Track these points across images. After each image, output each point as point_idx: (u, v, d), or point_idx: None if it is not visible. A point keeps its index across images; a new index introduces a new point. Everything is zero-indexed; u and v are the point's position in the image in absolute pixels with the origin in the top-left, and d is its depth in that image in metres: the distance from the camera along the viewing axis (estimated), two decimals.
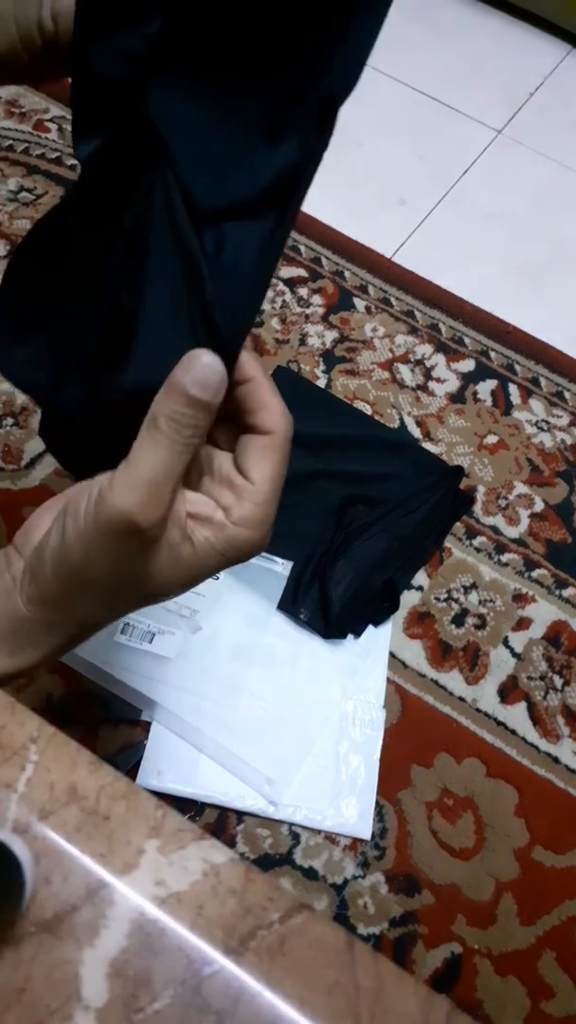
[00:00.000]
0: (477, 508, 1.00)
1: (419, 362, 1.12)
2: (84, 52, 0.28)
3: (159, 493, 0.28)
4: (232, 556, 0.31)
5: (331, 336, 1.12)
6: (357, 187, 1.29)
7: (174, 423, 0.28)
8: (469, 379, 1.11)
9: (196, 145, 0.28)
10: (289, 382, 1.06)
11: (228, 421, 0.32)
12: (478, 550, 0.97)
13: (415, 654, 0.89)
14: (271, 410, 0.30)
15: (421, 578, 0.94)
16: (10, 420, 0.98)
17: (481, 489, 1.02)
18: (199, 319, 0.29)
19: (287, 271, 1.17)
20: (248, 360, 0.30)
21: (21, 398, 0.99)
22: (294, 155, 0.28)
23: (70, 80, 0.30)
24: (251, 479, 0.31)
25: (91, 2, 0.28)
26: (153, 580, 0.31)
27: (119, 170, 0.29)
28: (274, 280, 1.16)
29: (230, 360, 0.30)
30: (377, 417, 1.06)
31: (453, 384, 1.10)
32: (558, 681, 0.90)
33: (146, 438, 0.28)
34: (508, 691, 0.88)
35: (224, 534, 0.30)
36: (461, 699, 0.87)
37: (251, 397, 0.30)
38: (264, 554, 0.90)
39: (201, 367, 0.28)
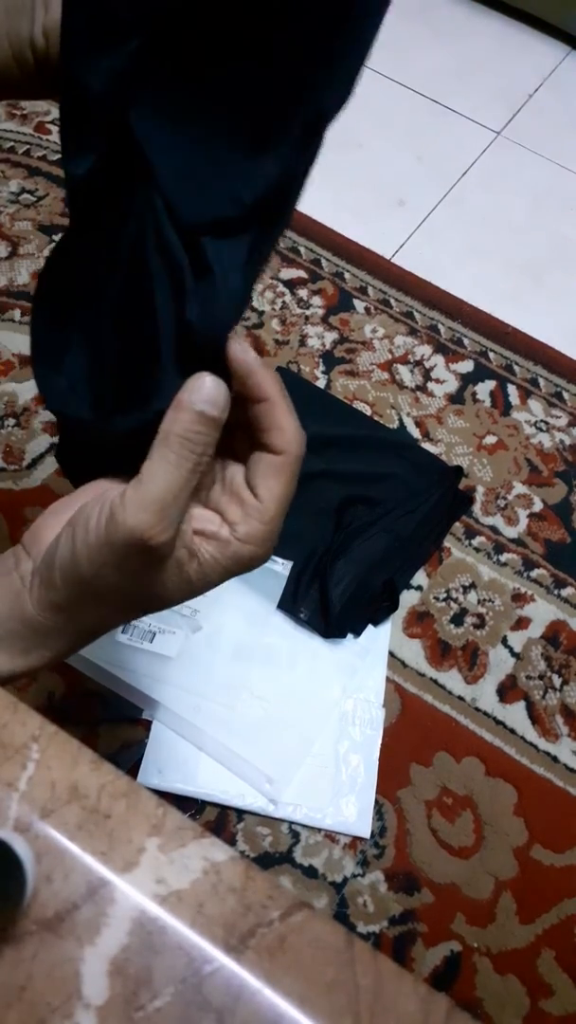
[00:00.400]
0: (476, 508, 1.00)
1: (418, 363, 1.12)
2: (70, 70, 0.28)
3: (169, 514, 0.29)
4: (235, 570, 0.32)
5: (331, 337, 1.12)
6: (356, 188, 1.30)
7: (186, 441, 0.29)
8: (468, 380, 1.11)
9: (178, 161, 0.28)
10: (289, 383, 1.05)
11: (244, 434, 0.33)
12: (477, 550, 0.97)
13: (414, 653, 0.89)
14: (284, 431, 0.31)
15: (420, 578, 0.94)
16: (12, 421, 0.98)
17: (480, 489, 1.02)
18: (180, 336, 0.30)
19: (287, 272, 1.18)
20: (268, 380, 0.31)
21: (23, 399, 1.00)
22: (278, 173, 0.28)
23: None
24: (259, 496, 0.32)
25: (75, 23, 0.28)
26: (159, 594, 0.32)
27: (113, 190, 0.29)
28: (274, 281, 1.16)
29: (219, 372, 0.31)
30: (376, 417, 1.06)
31: (452, 385, 1.11)
32: (557, 680, 0.90)
33: (157, 457, 0.29)
34: (507, 690, 0.89)
35: (229, 550, 0.31)
36: (460, 698, 0.87)
37: (266, 416, 0.31)
38: None
39: (208, 388, 0.29)
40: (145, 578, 0.31)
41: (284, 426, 0.31)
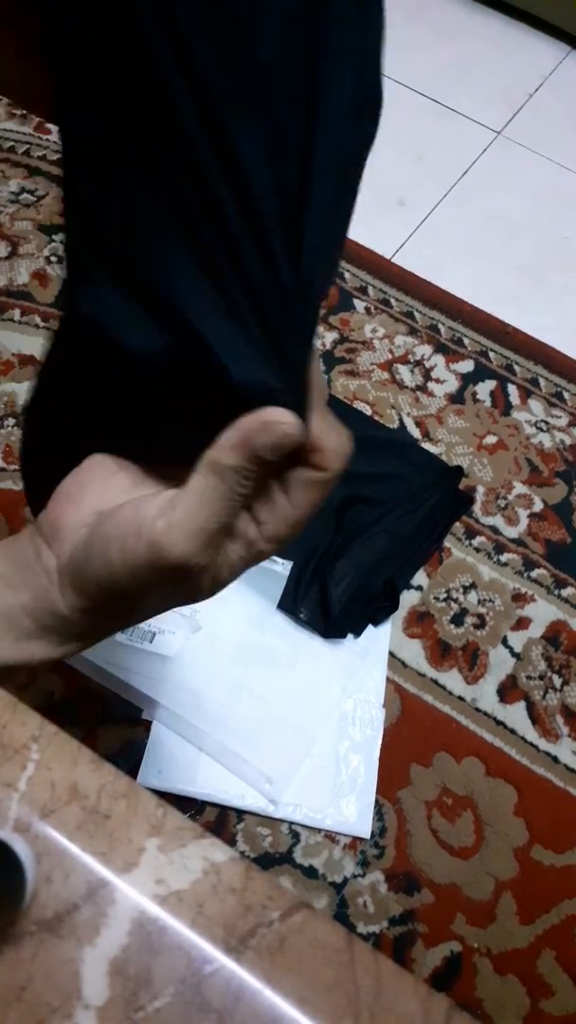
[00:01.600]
0: (476, 508, 1.00)
1: (418, 363, 1.12)
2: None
3: (214, 542, 0.29)
4: (251, 566, 0.32)
5: (331, 337, 1.12)
6: None
7: (238, 476, 0.28)
8: (468, 380, 1.11)
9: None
10: None
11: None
12: (477, 550, 0.97)
13: (414, 653, 0.89)
14: (326, 453, 0.31)
15: (420, 578, 0.94)
16: (11, 421, 0.98)
17: (480, 489, 1.02)
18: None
19: None
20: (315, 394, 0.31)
21: (23, 398, 0.99)
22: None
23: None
24: (293, 502, 0.31)
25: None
26: (192, 598, 0.32)
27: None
28: None
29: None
30: (377, 417, 1.06)
31: (452, 385, 1.10)
32: (557, 680, 0.90)
33: (204, 483, 0.28)
34: (507, 690, 0.89)
35: (254, 551, 0.31)
36: (460, 698, 0.87)
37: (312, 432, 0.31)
38: None
39: (278, 429, 0.27)
40: (184, 588, 0.31)
41: (327, 447, 0.31)
